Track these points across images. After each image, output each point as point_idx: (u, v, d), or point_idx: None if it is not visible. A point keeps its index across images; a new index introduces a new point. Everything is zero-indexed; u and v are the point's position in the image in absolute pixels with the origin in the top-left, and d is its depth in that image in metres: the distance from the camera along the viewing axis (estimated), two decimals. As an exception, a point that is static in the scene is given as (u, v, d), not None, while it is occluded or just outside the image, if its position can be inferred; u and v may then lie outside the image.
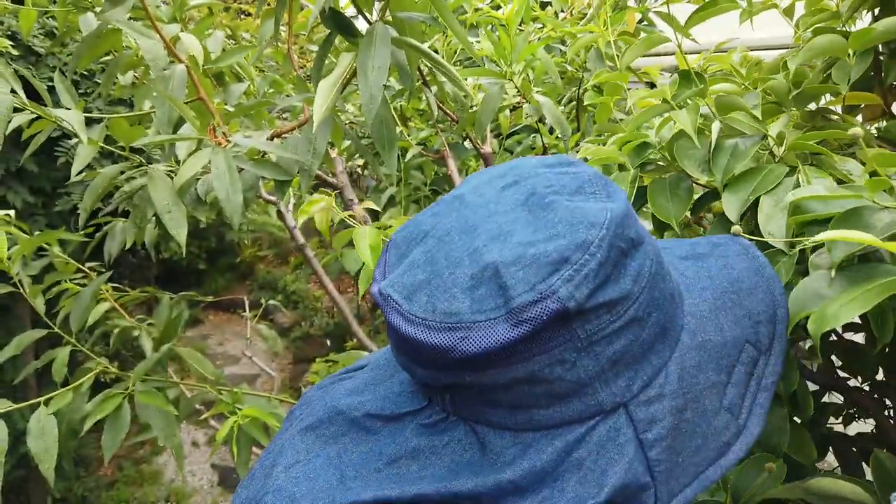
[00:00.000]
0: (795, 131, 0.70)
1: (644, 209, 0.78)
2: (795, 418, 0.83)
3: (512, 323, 0.38)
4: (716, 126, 0.70)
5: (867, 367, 0.96)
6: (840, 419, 1.11)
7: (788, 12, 0.83)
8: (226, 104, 1.43)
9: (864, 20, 0.79)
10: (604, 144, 0.84)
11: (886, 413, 0.98)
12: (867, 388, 1.01)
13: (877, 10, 0.76)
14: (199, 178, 1.06)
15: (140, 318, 1.59)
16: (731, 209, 0.65)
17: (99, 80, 3.11)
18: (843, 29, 0.76)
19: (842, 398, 1.05)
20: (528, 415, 0.41)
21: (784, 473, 0.69)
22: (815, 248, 0.57)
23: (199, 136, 0.96)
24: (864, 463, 1.02)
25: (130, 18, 1.21)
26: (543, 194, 0.43)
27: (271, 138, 1.10)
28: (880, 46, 0.76)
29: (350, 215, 1.10)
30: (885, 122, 0.77)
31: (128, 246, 1.14)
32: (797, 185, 0.61)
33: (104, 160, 2.47)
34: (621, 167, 0.80)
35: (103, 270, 1.41)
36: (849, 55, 0.67)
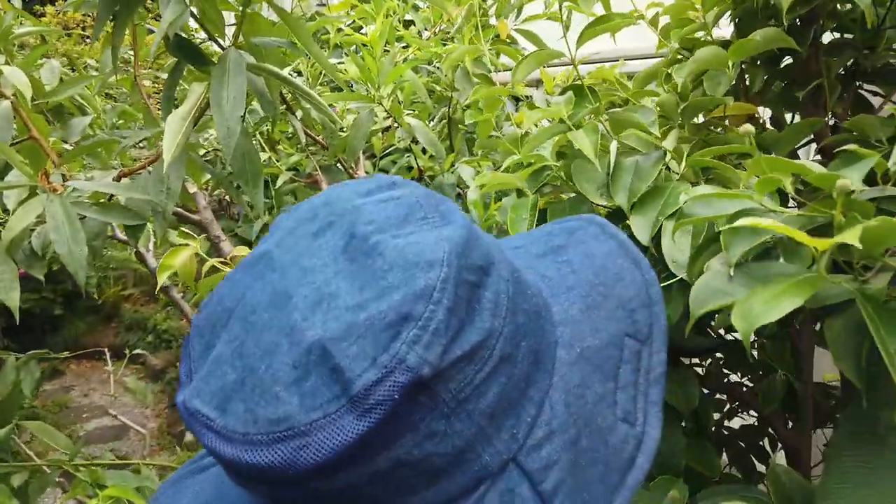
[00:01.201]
0: (686, 145, 0.71)
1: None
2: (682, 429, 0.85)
3: (357, 413, 0.31)
4: (614, 146, 0.68)
5: (747, 364, 1.00)
6: (723, 413, 1.15)
7: (654, 22, 0.84)
8: (66, 141, 1.29)
9: (720, 29, 0.81)
10: (494, 166, 0.81)
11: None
12: (749, 384, 1.05)
13: (737, 20, 0.79)
14: (33, 229, 0.94)
15: (-20, 386, 1.39)
16: (641, 232, 0.63)
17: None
18: (706, 38, 0.78)
19: (725, 395, 1.10)
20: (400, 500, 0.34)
21: (686, 495, 0.68)
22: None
23: (31, 182, 0.85)
24: (750, 455, 1.07)
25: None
26: (365, 235, 0.35)
27: (119, 178, 1.00)
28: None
29: (221, 261, 1.01)
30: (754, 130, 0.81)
31: (-49, 312, 0.99)
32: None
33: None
34: (519, 192, 0.77)
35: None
36: (728, 66, 0.68)
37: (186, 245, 0.96)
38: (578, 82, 0.80)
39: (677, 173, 0.67)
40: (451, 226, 0.36)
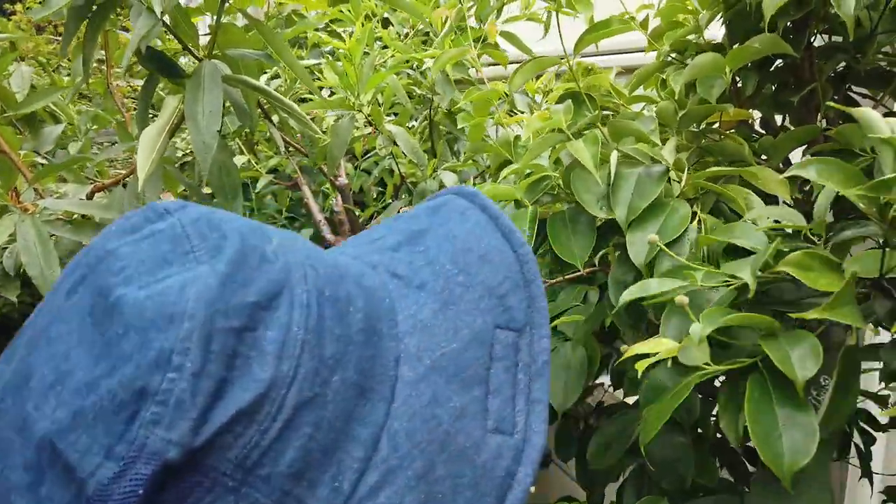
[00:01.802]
0: (684, 153, 0.70)
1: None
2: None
3: None
4: (614, 157, 0.66)
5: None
6: (713, 414, 1.15)
7: (644, 25, 0.83)
8: (37, 153, 1.25)
9: (709, 30, 0.80)
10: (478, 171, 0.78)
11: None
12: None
13: (728, 22, 0.78)
14: (5, 248, 0.90)
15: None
16: (636, 253, 0.62)
17: None
18: (697, 40, 0.77)
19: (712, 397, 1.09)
20: None
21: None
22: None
23: (1, 201, 0.82)
24: (743, 459, 1.06)
25: None
26: (109, 289, 0.29)
27: (93, 193, 0.97)
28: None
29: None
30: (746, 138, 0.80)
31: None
32: (699, 230, 0.61)
33: None
34: (517, 203, 0.75)
35: None
36: (726, 72, 0.67)
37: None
38: (575, 89, 0.78)
39: (678, 182, 0.66)
40: (212, 261, 0.29)
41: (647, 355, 0.54)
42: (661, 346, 0.53)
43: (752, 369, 0.54)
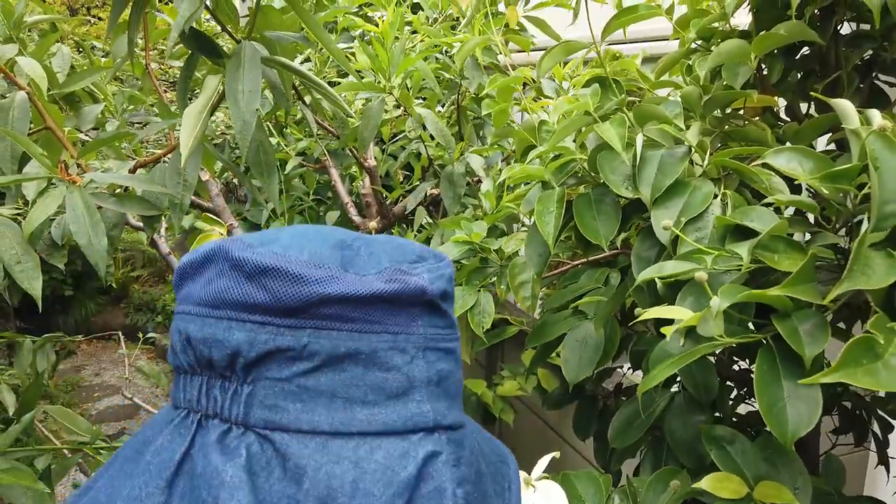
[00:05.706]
0: (707, 137, 0.71)
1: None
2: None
3: (385, 279, 0.40)
4: (640, 139, 0.69)
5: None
6: (732, 400, 1.16)
7: (669, 12, 0.84)
8: (79, 130, 1.30)
9: (735, 17, 0.81)
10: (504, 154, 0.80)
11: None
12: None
13: (756, 10, 0.78)
14: (53, 219, 0.95)
15: (-2, 369, 1.42)
16: (661, 230, 0.64)
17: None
18: (724, 28, 0.78)
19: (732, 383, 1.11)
20: (348, 412, 0.38)
21: (689, 484, 0.70)
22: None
23: (50, 174, 0.86)
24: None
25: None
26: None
27: (135, 168, 1.01)
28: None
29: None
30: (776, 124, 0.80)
31: (-28, 302, 1.01)
32: (724, 209, 0.63)
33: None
34: (545, 184, 0.77)
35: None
36: (751, 59, 0.69)
37: (212, 230, 0.98)
38: (602, 74, 0.79)
39: (700, 165, 0.68)
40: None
41: (664, 322, 0.56)
42: (679, 313, 0.55)
43: (762, 344, 0.56)
